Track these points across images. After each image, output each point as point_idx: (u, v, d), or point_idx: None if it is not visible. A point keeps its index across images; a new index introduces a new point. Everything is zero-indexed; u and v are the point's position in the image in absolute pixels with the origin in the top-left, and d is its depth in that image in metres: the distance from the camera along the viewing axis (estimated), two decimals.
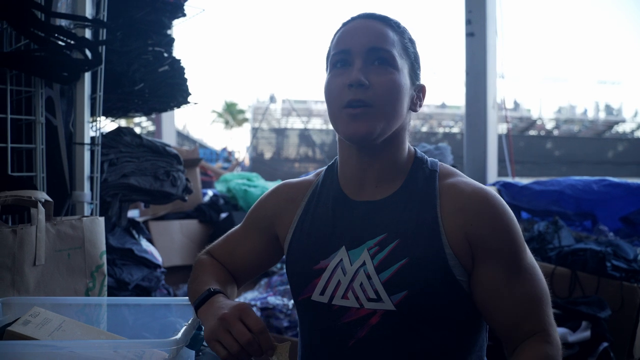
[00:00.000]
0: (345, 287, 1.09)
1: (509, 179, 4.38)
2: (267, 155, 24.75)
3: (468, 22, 4.66)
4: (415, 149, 1.21)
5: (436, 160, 1.19)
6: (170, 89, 2.21)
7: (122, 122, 3.02)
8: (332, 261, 1.13)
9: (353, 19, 1.15)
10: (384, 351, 1.07)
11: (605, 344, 2.41)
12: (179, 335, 1.01)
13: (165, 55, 2.21)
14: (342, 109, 1.08)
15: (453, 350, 1.08)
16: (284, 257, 1.28)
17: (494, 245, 1.05)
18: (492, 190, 1.10)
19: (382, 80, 1.07)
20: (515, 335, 1.07)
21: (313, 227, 1.18)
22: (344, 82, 1.08)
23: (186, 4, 2.30)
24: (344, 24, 1.16)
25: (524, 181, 4.07)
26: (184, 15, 2.31)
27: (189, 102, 2.34)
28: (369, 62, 1.09)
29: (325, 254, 1.14)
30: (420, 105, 1.18)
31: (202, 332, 1.06)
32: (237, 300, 1.13)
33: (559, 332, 1.12)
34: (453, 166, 3.31)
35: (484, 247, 1.05)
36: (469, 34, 4.66)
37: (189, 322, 1.11)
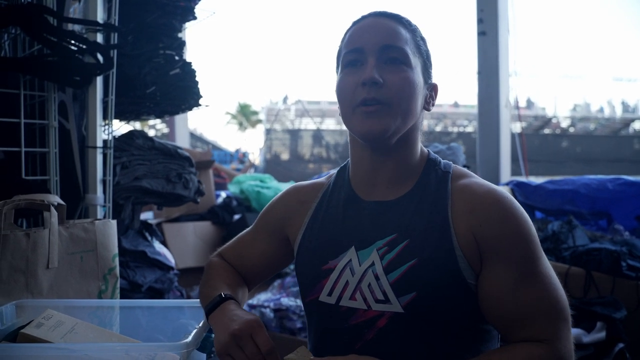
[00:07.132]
0: (353, 288, 1.07)
1: (523, 178, 4.34)
2: (282, 156, 24.78)
3: (480, 21, 4.64)
4: (428, 150, 1.19)
5: (450, 162, 1.18)
6: (181, 91, 2.21)
7: (137, 125, 3.05)
8: (340, 261, 1.10)
9: (364, 17, 1.14)
10: (392, 356, 1.03)
11: (621, 345, 2.38)
12: (190, 338, 1.02)
13: (177, 58, 2.22)
14: (356, 107, 1.06)
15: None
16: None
17: (501, 249, 1.01)
18: (506, 193, 1.06)
19: (395, 78, 1.05)
20: (511, 339, 1.03)
21: (323, 228, 1.17)
22: (357, 81, 1.06)
23: (197, 7, 2.31)
24: (355, 23, 1.14)
25: (539, 180, 4.03)
26: (195, 18, 2.31)
27: (200, 105, 2.34)
28: (382, 60, 1.07)
29: (334, 254, 1.12)
30: (433, 105, 1.16)
31: (213, 336, 1.07)
32: (249, 302, 1.13)
33: (572, 332, 1.07)
34: (465, 166, 3.32)
35: (491, 250, 1.01)
36: (481, 33, 4.63)
37: (200, 325, 1.12)
